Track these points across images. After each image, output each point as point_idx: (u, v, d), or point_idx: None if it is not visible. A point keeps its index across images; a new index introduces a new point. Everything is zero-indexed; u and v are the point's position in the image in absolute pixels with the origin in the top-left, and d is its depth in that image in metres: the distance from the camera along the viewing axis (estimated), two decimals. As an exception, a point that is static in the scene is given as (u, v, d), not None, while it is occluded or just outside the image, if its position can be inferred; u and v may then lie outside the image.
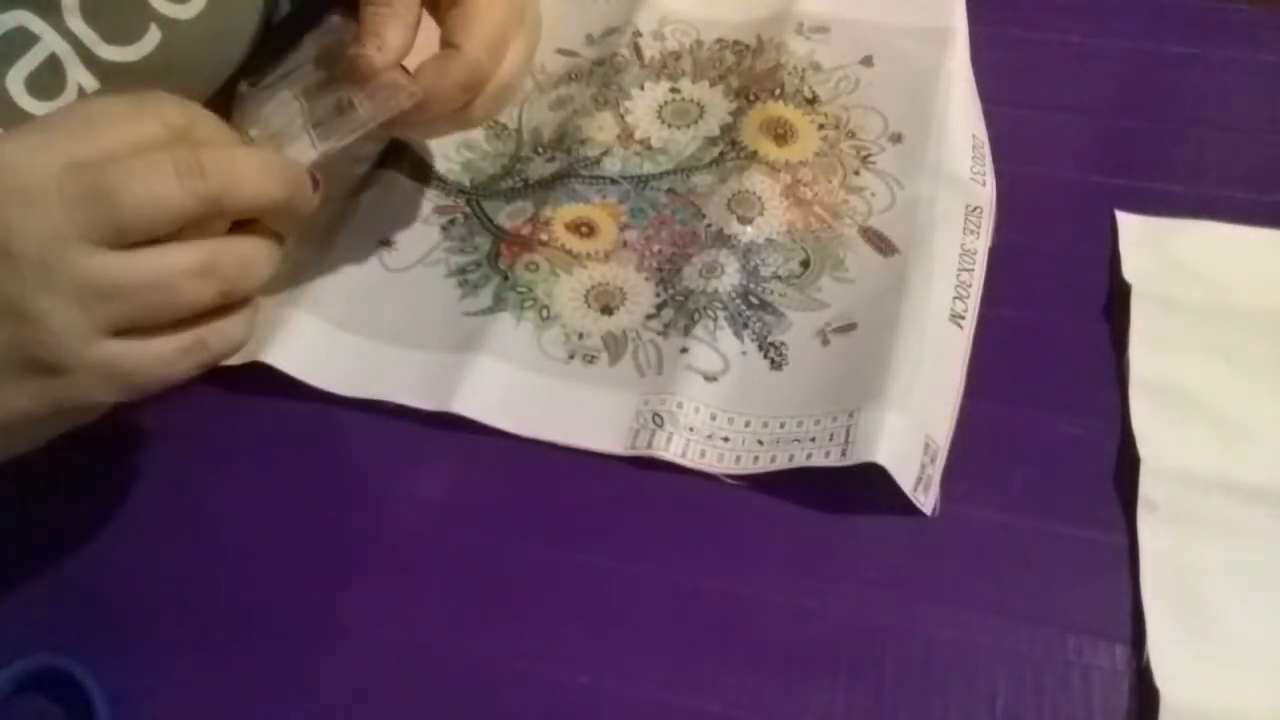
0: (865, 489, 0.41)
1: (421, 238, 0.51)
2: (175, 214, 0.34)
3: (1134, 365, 0.45)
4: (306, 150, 0.40)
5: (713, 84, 0.57)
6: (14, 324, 0.33)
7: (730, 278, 0.48)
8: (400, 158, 0.54)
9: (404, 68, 0.42)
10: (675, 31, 0.60)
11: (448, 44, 0.43)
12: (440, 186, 0.54)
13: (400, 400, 0.45)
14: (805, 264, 0.49)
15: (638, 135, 0.55)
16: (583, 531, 0.42)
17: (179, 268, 0.35)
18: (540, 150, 0.55)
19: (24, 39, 0.41)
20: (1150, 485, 0.41)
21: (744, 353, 0.46)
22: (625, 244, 0.51)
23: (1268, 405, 0.43)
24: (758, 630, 0.39)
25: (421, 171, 0.54)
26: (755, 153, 0.53)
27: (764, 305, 0.48)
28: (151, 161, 0.34)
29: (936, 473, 0.42)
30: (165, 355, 0.36)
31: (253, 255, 0.37)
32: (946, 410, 0.44)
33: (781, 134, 0.54)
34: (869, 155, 0.53)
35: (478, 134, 0.56)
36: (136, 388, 0.36)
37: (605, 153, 0.54)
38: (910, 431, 0.42)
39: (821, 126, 0.54)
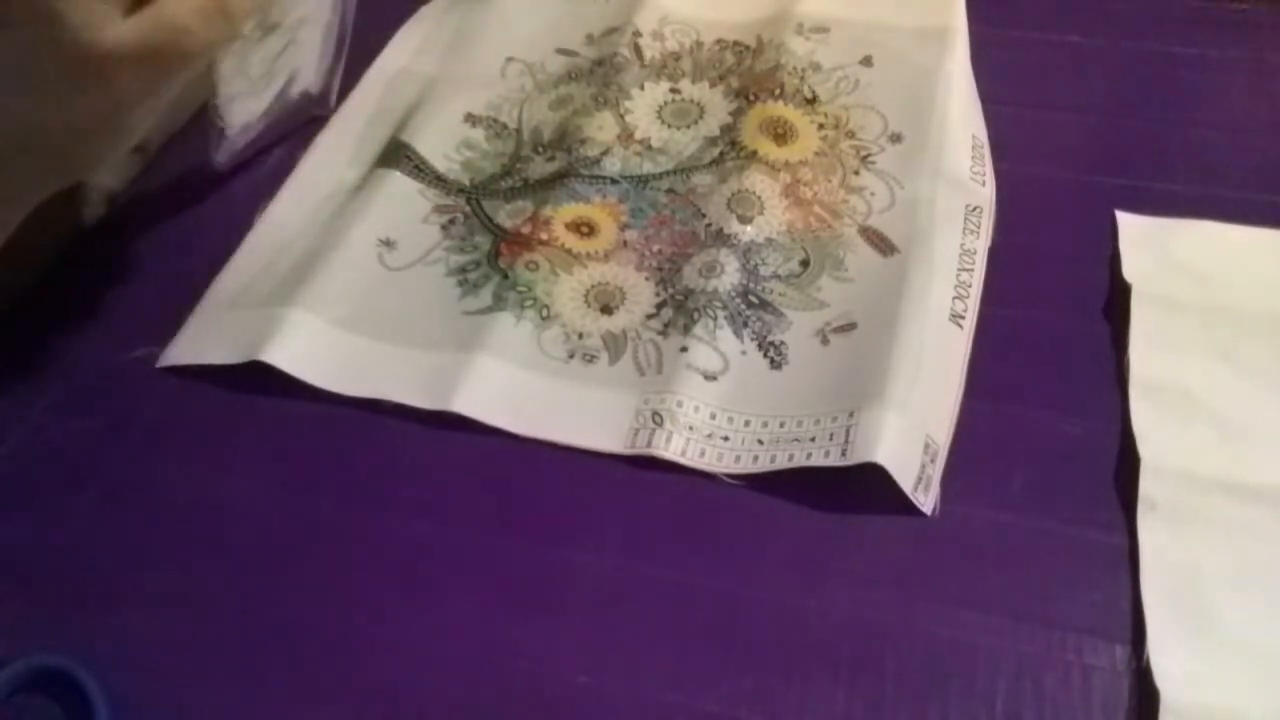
0: (865, 489, 0.41)
1: (421, 237, 0.51)
2: None
3: (1134, 365, 0.45)
4: None
5: (713, 84, 0.57)
6: (33, 26, 0.34)
7: (730, 277, 0.48)
8: (400, 157, 0.54)
9: None
10: (675, 32, 0.60)
11: None
12: (440, 186, 0.54)
13: (400, 399, 0.45)
14: (805, 263, 0.49)
15: (638, 135, 0.55)
16: (583, 531, 0.42)
17: None
18: (540, 150, 0.55)
19: None
20: (1150, 485, 0.41)
21: (744, 352, 0.46)
22: (625, 244, 0.51)
23: (1268, 405, 0.43)
24: (758, 630, 0.39)
25: (421, 171, 0.54)
26: (755, 152, 0.53)
27: (764, 305, 0.48)
28: None
29: (936, 473, 0.42)
30: (186, 23, 0.36)
31: None
32: (946, 410, 0.44)
33: (781, 134, 0.54)
34: (869, 155, 0.53)
35: (478, 133, 0.56)
36: (163, 69, 0.37)
37: (605, 152, 0.54)
38: (910, 431, 0.42)
39: (821, 126, 0.54)
